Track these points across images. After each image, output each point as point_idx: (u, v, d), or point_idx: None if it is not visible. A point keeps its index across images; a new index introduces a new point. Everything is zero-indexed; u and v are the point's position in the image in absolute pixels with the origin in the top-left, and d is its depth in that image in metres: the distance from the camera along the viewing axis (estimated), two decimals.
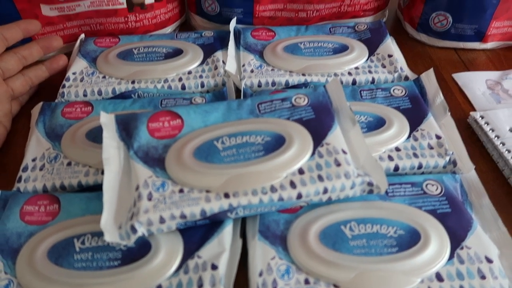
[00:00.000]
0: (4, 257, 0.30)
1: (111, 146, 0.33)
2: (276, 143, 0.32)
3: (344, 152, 0.32)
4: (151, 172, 0.31)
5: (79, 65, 0.46)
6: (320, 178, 0.30)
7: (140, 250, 0.30)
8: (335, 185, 0.30)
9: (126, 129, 0.34)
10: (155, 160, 0.32)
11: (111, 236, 0.28)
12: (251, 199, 0.29)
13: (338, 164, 0.31)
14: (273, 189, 0.30)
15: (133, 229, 0.28)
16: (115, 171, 0.32)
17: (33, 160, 0.36)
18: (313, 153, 0.32)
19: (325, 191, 0.30)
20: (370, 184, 0.31)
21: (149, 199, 0.29)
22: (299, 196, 0.30)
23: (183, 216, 0.29)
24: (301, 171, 0.31)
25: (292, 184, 0.30)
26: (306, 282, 0.28)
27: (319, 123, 0.34)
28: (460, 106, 0.45)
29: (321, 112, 0.35)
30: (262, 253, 0.30)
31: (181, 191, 0.30)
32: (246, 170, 0.31)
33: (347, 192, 0.31)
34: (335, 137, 0.33)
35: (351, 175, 0.30)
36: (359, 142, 0.33)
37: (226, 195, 0.29)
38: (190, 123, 0.34)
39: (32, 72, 0.44)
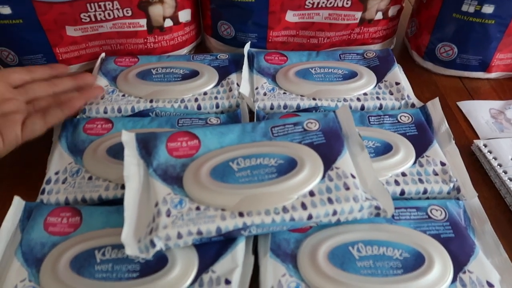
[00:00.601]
0: (29, 266, 0.31)
1: (132, 164, 0.35)
2: (289, 166, 0.34)
3: (353, 176, 0.34)
4: (169, 189, 0.33)
5: (100, 83, 0.48)
6: (330, 200, 0.32)
7: (158, 263, 0.31)
8: (344, 208, 0.32)
9: (146, 147, 0.36)
10: (173, 178, 0.34)
11: (131, 249, 0.30)
12: (264, 218, 0.31)
13: (347, 188, 0.33)
14: (285, 210, 0.31)
15: (152, 244, 0.30)
16: (135, 188, 0.34)
17: (56, 173, 0.38)
18: (323, 177, 0.34)
19: (335, 213, 0.32)
20: (377, 208, 0.32)
21: (168, 215, 0.31)
22: (310, 217, 0.31)
23: (199, 233, 0.30)
24: (312, 194, 0.32)
25: (303, 206, 0.32)
26: None
27: (329, 147, 0.36)
28: (464, 134, 0.47)
29: (331, 137, 0.37)
30: (273, 270, 0.31)
31: (197, 208, 0.32)
32: (260, 191, 0.32)
33: (355, 215, 0.32)
34: (345, 161, 0.35)
35: (360, 199, 0.32)
36: (367, 167, 0.35)
37: (241, 214, 0.31)
38: (207, 143, 0.36)
39: (62, 95, 0.43)
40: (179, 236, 0.30)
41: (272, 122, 0.38)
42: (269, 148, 0.36)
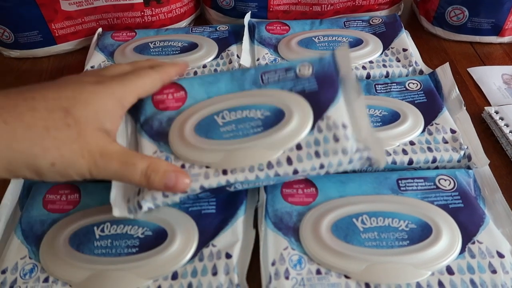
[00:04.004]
0: (29, 243, 0.31)
1: None
2: (275, 118, 0.31)
3: (344, 126, 0.31)
4: (156, 147, 0.31)
5: (97, 58, 0.47)
6: (317, 154, 0.30)
7: (157, 238, 0.31)
8: (331, 162, 0.30)
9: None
10: (160, 134, 0.32)
11: (120, 211, 0.29)
12: (247, 175, 0.29)
13: (337, 140, 0.30)
14: (269, 165, 0.30)
15: (139, 206, 0.29)
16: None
17: None
18: (312, 127, 0.31)
19: (322, 166, 0.30)
20: (369, 159, 0.30)
21: None
22: (295, 172, 0.30)
23: (184, 191, 0.29)
24: (299, 147, 0.30)
25: (289, 160, 0.30)
26: (318, 272, 0.29)
27: (321, 95, 0.32)
28: (474, 101, 0.45)
29: (325, 83, 0.33)
30: (275, 244, 0.30)
31: (183, 166, 0.30)
32: (244, 146, 0.30)
33: (345, 167, 0.30)
34: (337, 110, 0.31)
35: (349, 151, 0.30)
36: (362, 114, 0.32)
37: (224, 172, 0.30)
38: (194, 95, 0.34)
39: None
40: (165, 195, 0.29)
41: (262, 68, 0.35)
42: (257, 98, 0.33)
